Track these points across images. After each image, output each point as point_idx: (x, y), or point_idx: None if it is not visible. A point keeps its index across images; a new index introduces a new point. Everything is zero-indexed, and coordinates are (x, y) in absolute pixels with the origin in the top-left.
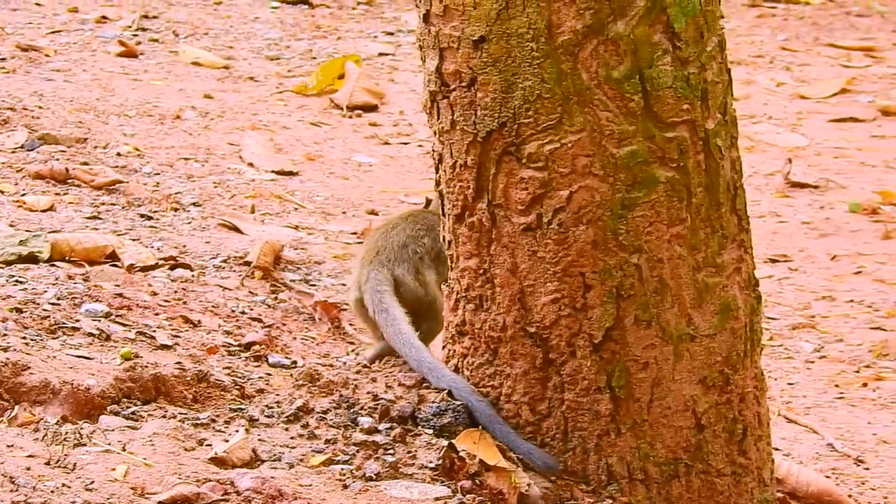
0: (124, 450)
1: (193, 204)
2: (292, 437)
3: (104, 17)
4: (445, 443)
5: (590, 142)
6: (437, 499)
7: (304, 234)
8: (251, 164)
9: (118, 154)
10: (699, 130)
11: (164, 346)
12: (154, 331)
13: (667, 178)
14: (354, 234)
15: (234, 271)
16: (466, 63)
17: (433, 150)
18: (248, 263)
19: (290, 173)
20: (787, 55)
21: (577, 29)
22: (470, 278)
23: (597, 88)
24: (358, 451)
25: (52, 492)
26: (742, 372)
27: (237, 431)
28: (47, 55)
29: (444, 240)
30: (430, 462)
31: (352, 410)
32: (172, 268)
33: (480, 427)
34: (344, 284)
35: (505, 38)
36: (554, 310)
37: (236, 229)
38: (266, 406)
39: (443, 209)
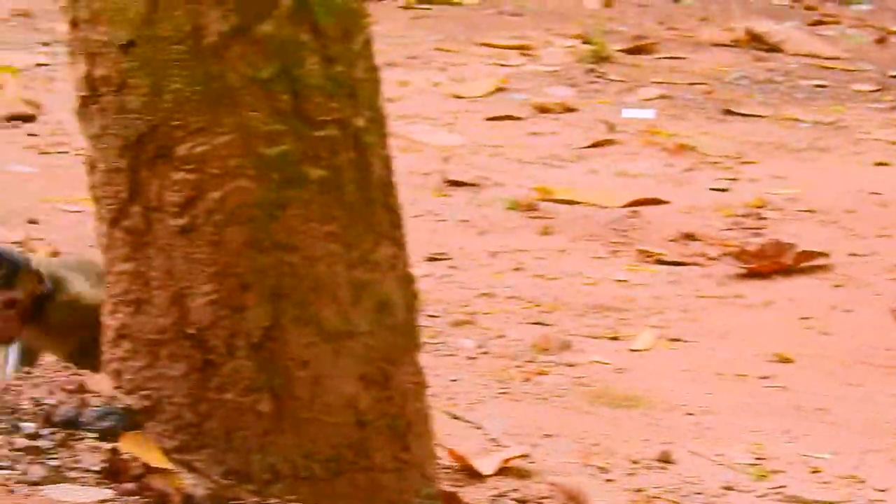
0: None
1: None
2: None
3: None
4: (109, 446)
5: (240, 143)
6: (101, 501)
7: None
8: None
9: None
10: (349, 128)
11: None
12: None
13: (318, 176)
14: (17, 243)
15: None
16: (115, 67)
17: (86, 156)
18: None
19: None
20: (443, 55)
21: (223, 31)
22: (127, 282)
23: (245, 90)
24: (21, 456)
25: None
26: (402, 368)
27: None
28: None
29: (99, 244)
30: (94, 465)
31: (13, 416)
32: None
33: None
34: None
35: (153, 41)
36: (211, 311)
37: None
38: None
39: (98, 214)
